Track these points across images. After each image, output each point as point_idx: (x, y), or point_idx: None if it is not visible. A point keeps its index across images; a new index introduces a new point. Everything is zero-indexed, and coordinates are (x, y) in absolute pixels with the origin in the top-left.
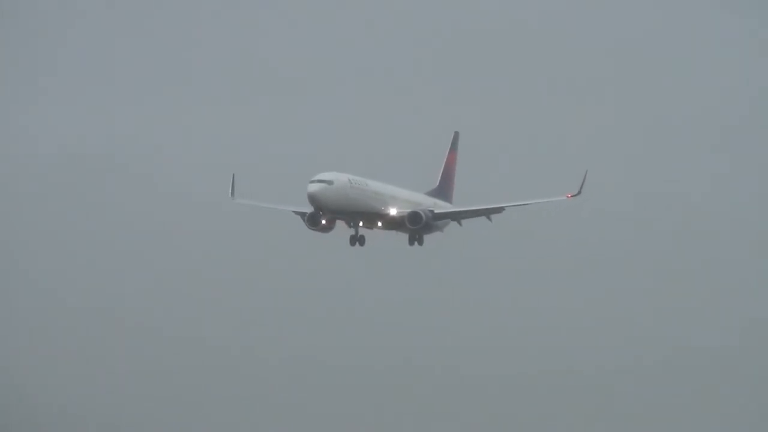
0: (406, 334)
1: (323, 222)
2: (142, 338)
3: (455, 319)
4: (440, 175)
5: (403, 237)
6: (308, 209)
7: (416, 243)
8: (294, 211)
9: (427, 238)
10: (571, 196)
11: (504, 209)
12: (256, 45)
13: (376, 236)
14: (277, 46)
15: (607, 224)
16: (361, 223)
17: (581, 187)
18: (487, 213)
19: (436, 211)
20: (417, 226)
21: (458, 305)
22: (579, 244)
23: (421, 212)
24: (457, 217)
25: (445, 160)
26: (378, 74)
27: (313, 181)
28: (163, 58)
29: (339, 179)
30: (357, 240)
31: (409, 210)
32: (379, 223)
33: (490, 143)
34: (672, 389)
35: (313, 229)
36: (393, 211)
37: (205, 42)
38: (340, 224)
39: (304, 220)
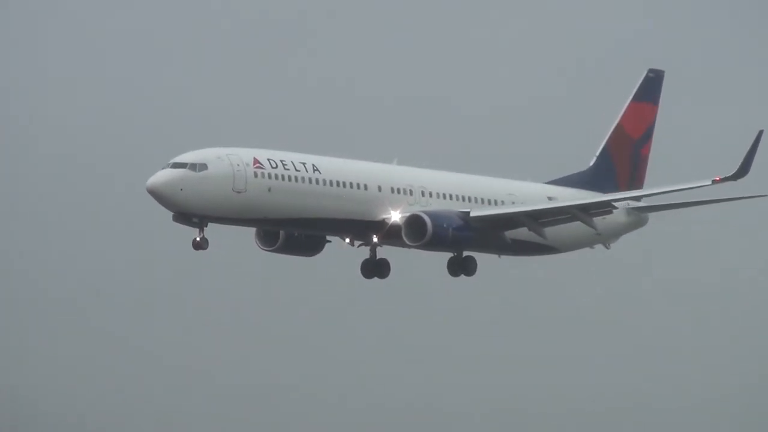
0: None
1: (202, 236)
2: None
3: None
4: (601, 147)
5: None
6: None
7: (461, 273)
8: None
9: (489, 260)
10: (721, 180)
11: (613, 207)
12: None
13: (412, 260)
14: None
15: None
16: (347, 240)
17: (745, 165)
18: (582, 212)
19: (477, 213)
20: (418, 242)
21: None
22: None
23: (424, 217)
24: (528, 222)
25: (618, 121)
26: None
27: (166, 167)
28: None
29: (224, 161)
30: (374, 267)
31: (408, 214)
32: (375, 238)
33: None
34: None
35: (267, 250)
36: (384, 215)
37: None
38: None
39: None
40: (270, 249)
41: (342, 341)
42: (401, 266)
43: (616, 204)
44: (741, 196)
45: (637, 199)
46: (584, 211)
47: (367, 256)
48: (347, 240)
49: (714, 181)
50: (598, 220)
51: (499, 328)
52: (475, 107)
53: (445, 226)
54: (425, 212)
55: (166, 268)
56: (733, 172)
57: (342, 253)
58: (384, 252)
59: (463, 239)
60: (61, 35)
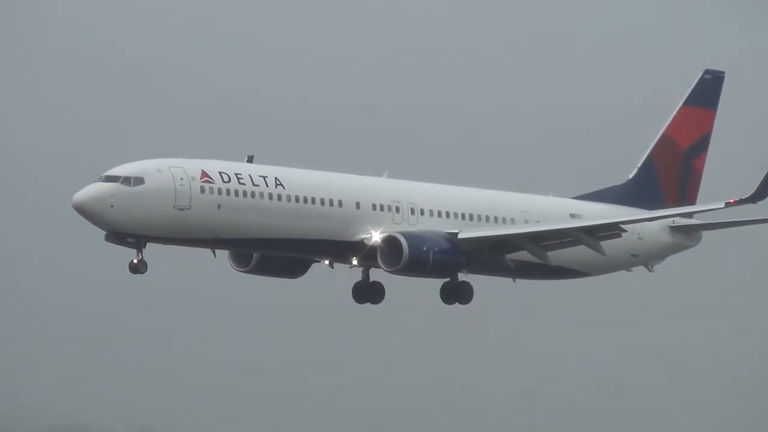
0: None
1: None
2: None
3: None
4: (644, 157)
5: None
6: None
7: (455, 301)
8: None
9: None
10: (736, 203)
11: (621, 230)
12: None
13: (411, 283)
14: None
15: None
16: (327, 262)
17: (763, 187)
18: (587, 235)
19: (466, 235)
20: (394, 267)
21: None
22: None
23: (399, 238)
24: (527, 245)
25: (665, 128)
26: None
27: (98, 180)
28: None
29: (164, 174)
30: (367, 291)
31: (385, 234)
32: (354, 261)
33: None
34: None
35: (241, 271)
36: (363, 236)
37: None
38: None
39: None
40: (243, 270)
41: (325, 374)
42: (397, 290)
43: (653, 222)
44: None
45: (688, 216)
46: (589, 234)
47: (359, 279)
48: (326, 262)
49: (728, 204)
50: (632, 240)
51: (493, 362)
52: (491, 112)
53: (425, 249)
54: (403, 233)
55: (131, 289)
56: (750, 194)
57: (332, 275)
58: (378, 274)
59: (449, 264)
60: None
